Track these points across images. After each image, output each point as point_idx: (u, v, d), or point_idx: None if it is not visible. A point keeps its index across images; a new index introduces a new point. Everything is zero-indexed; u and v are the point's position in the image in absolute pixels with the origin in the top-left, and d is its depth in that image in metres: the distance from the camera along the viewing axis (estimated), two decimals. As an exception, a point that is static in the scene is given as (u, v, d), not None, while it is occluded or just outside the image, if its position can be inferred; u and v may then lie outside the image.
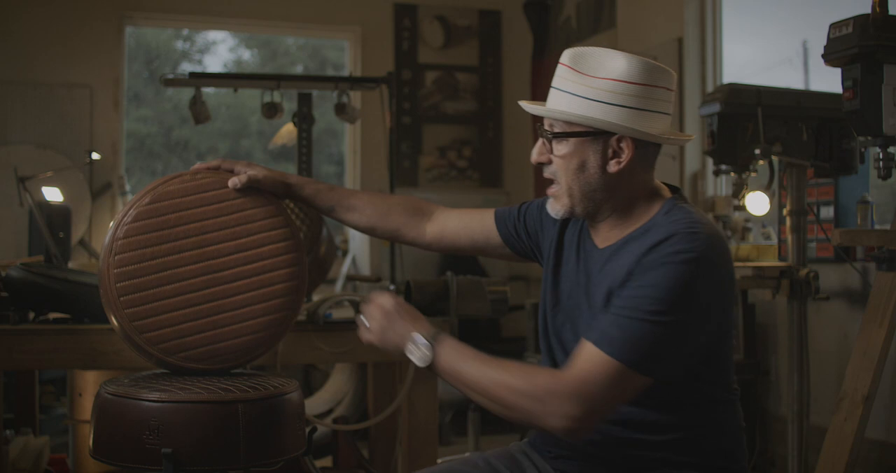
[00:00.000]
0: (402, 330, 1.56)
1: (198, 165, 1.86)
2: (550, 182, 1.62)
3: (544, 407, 1.43)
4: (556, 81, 1.58)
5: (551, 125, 1.58)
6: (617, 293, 1.49)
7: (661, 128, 1.56)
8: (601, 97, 1.52)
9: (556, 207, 1.61)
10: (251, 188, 1.81)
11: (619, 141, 1.55)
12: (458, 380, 1.52)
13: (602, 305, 1.54)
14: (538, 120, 1.62)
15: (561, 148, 1.57)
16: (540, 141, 1.61)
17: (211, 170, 1.84)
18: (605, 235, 1.62)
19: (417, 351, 1.53)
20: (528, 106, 1.62)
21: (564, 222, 1.73)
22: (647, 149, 1.58)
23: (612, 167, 1.56)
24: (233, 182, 1.80)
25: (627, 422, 1.57)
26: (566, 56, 1.57)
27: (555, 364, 1.68)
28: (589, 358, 1.44)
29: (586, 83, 1.53)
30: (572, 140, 1.56)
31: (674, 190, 1.65)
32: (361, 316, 1.62)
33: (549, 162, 1.60)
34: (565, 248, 1.71)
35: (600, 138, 1.55)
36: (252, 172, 1.81)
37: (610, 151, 1.55)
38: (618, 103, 1.52)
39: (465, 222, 1.90)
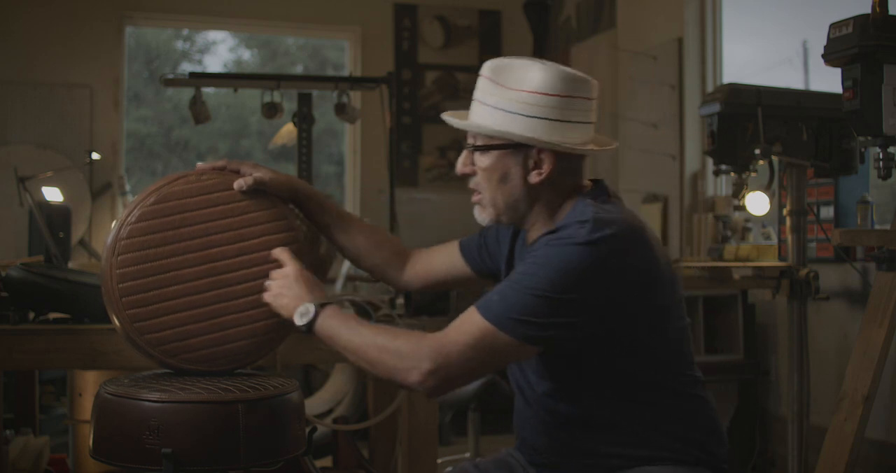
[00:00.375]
0: (295, 295, 1.65)
1: (203, 165, 1.84)
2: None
3: (402, 363, 1.50)
4: (477, 93, 1.61)
5: (475, 137, 1.62)
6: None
7: (582, 137, 1.59)
8: (520, 109, 1.55)
9: (482, 215, 1.66)
10: (257, 190, 1.81)
11: (539, 152, 1.58)
12: (333, 342, 1.60)
13: None
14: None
15: (483, 160, 1.61)
16: (464, 152, 1.64)
17: (216, 171, 1.82)
18: (531, 239, 1.66)
19: (302, 315, 1.62)
20: (449, 119, 1.65)
21: (514, 239, 1.77)
22: (569, 158, 1.60)
23: (534, 178, 1.59)
24: (238, 184, 1.79)
25: (587, 424, 1.59)
26: (486, 68, 1.60)
27: (518, 387, 1.71)
28: (462, 318, 1.51)
29: (505, 95, 1.56)
30: (494, 152, 1.60)
31: (595, 184, 1.67)
32: (268, 283, 1.71)
33: (474, 173, 1.63)
34: (515, 261, 1.75)
35: (521, 150, 1.59)
36: (258, 174, 1.80)
37: (531, 163, 1.59)
38: (536, 115, 1.55)
39: (434, 257, 1.94)
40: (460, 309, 2.68)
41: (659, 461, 1.57)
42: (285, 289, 1.68)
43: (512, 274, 1.54)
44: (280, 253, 1.73)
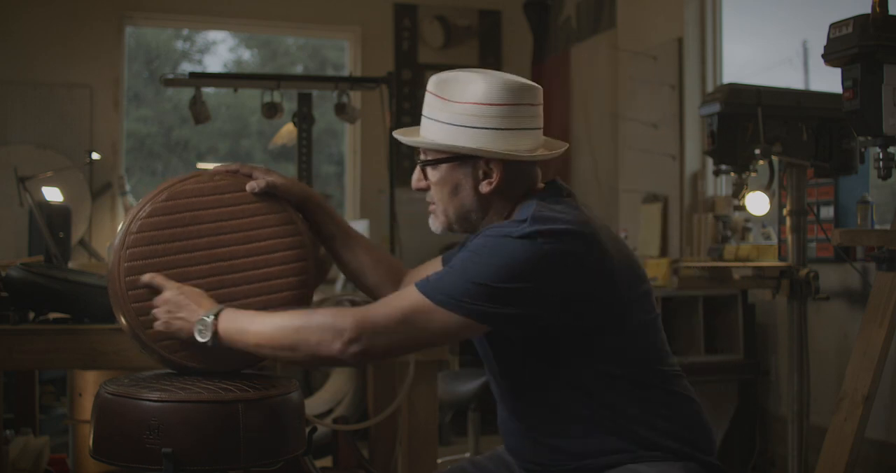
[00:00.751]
0: (186, 314, 1.63)
1: (216, 167, 1.86)
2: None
3: (323, 335, 1.51)
4: (424, 109, 1.64)
5: (425, 153, 1.64)
6: None
7: (531, 143, 1.61)
8: (465, 121, 1.57)
9: (434, 224, 1.68)
10: (267, 194, 1.82)
11: (487, 163, 1.60)
12: (244, 341, 1.59)
13: None
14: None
15: (434, 174, 1.64)
16: (417, 168, 1.67)
17: (229, 173, 1.84)
18: None
19: (201, 330, 1.61)
20: (399, 135, 1.68)
21: None
22: (518, 165, 1.61)
23: (484, 188, 1.61)
24: (251, 186, 1.81)
25: (559, 424, 1.60)
26: (431, 83, 1.62)
27: (497, 388, 1.72)
28: (394, 294, 1.56)
29: (450, 109, 1.58)
30: (443, 166, 1.62)
31: (548, 185, 1.67)
32: (154, 314, 1.67)
33: (428, 188, 1.66)
34: None
35: (469, 162, 1.60)
36: (271, 178, 1.82)
37: (480, 173, 1.61)
38: (482, 126, 1.57)
39: (422, 272, 1.92)
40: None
41: (643, 458, 1.57)
42: (174, 311, 1.64)
43: (453, 260, 1.55)
44: (151, 278, 1.68)
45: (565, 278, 1.50)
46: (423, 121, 1.64)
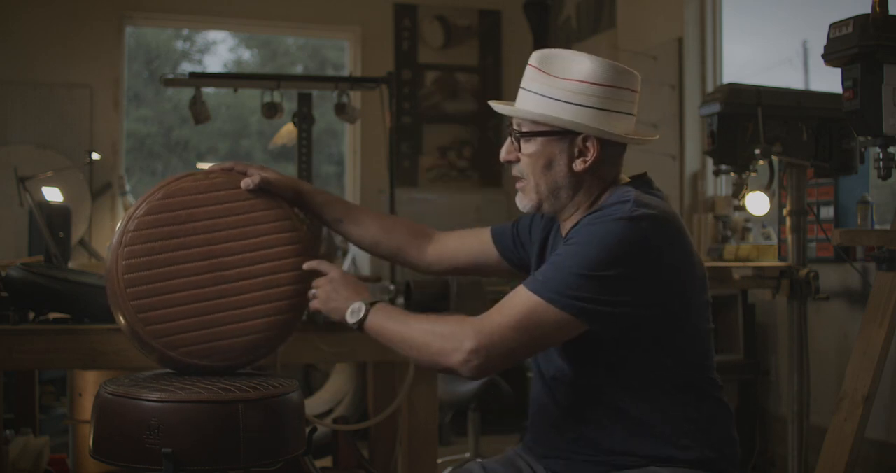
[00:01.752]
0: (344, 298, 1.69)
1: (212, 165, 1.88)
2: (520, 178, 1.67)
3: (445, 344, 1.52)
4: (524, 82, 1.63)
5: (519, 124, 1.63)
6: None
7: (626, 128, 1.61)
8: (567, 97, 1.57)
9: (524, 201, 1.67)
10: (263, 191, 1.83)
11: (584, 140, 1.59)
12: (382, 335, 1.63)
13: None
14: (510, 119, 1.66)
15: (529, 147, 1.62)
16: (508, 139, 1.65)
17: (224, 171, 1.86)
18: (566, 229, 1.67)
19: (353, 313, 1.66)
20: (496, 105, 1.67)
21: (547, 230, 1.78)
22: (612, 148, 1.62)
23: (579, 165, 1.61)
24: (245, 183, 1.82)
25: (605, 416, 1.59)
26: (534, 58, 1.62)
27: (541, 373, 1.72)
28: (506, 298, 1.54)
29: (553, 84, 1.58)
30: (539, 139, 1.61)
31: (637, 178, 1.68)
32: (313, 290, 1.74)
33: (518, 160, 1.65)
34: (546, 254, 1.75)
35: (566, 137, 1.60)
36: (265, 174, 1.83)
37: (576, 150, 1.60)
38: (583, 104, 1.57)
39: (463, 240, 1.95)
40: (460, 309, 2.68)
41: (670, 462, 1.57)
42: (334, 293, 1.70)
43: (554, 255, 1.55)
44: (317, 263, 1.77)
45: (664, 265, 1.52)
46: (522, 93, 1.62)
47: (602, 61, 1.58)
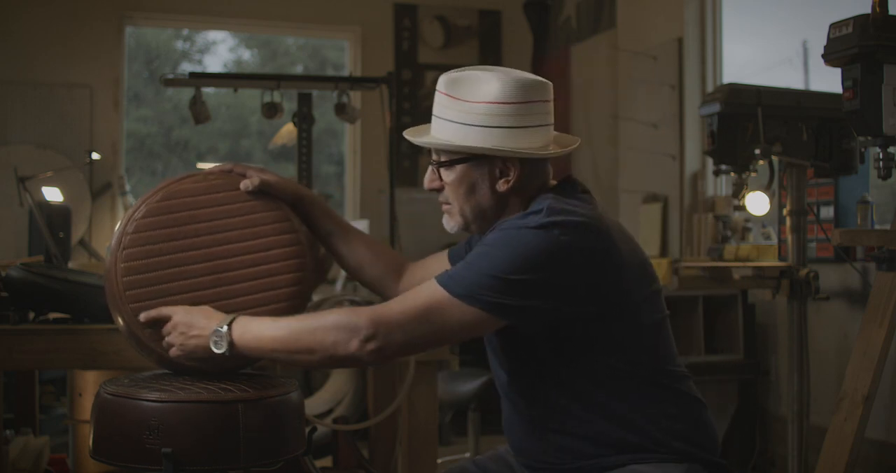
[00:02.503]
0: (199, 329, 1.61)
1: (210, 167, 1.88)
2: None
3: (339, 335, 1.50)
4: (435, 109, 1.63)
5: (438, 153, 1.63)
6: None
7: (543, 140, 1.61)
8: (478, 121, 1.57)
9: (450, 224, 1.67)
10: (262, 193, 1.83)
11: (504, 161, 1.59)
12: (262, 346, 1.58)
13: None
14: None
15: (449, 174, 1.63)
16: (430, 168, 1.66)
17: (224, 173, 1.85)
18: None
19: (217, 341, 1.59)
20: (410, 136, 1.67)
21: None
22: (533, 162, 1.62)
23: (501, 186, 1.61)
24: (245, 184, 1.81)
25: (564, 422, 1.59)
26: (441, 83, 1.61)
27: (498, 383, 1.72)
28: (410, 291, 1.54)
29: (463, 108, 1.57)
30: (459, 166, 1.61)
31: (562, 182, 1.68)
32: (165, 339, 1.65)
33: (442, 188, 1.65)
34: None
35: (485, 161, 1.60)
36: (264, 177, 1.83)
37: (497, 171, 1.60)
38: (494, 125, 1.56)
39: (426, 268, 1.93)
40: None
41: (646, 459, 1.57)
42: (186, 331, 1.62)
43: (468, 254, 1.56)
44: (157, 312, 1.66)
45: (578, 269, 1.50)
46: (435, 121, 1.63)
47: (508, 78, 1.56)
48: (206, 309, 1.66)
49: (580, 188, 1.65)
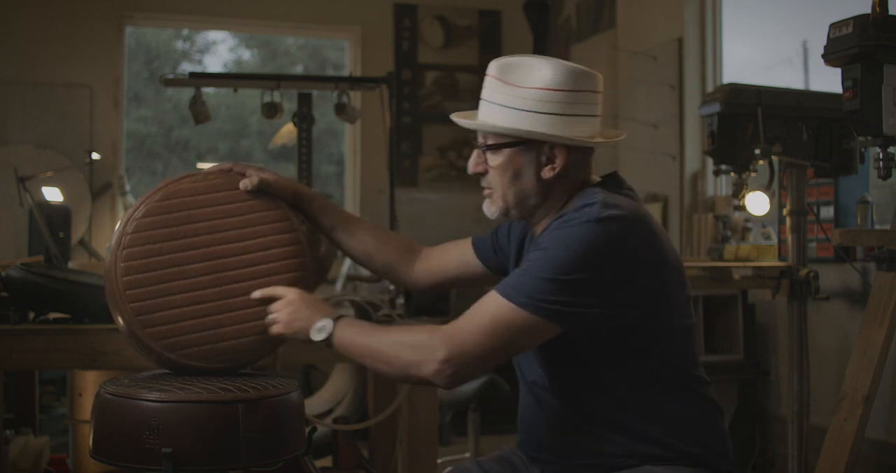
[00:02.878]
0: (307, 316, 1.67)
1: (210, 166, 1.88)
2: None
3: (416, 355, 1.51)
4: (485, 93, 1.63)
5: (485, 137, 1.63)
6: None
7: (590, 130, 1.60)
8: (528, 106, 1.57)
9: (490, 209, 1.66)
10: (261, 192, 1.83)
11: (551, 148, 1.59)
12: (351, 350, 1.63)
13: None
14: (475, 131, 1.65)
15: (495, 158, 1.62)
16: (475, 151, 1.65)
17: (223, 172, 1.85)
18: (538, 233, 1.66)
19: (319, 331, 1.64)
20: (459, 120, 1.66)
21: (523, 234, 1.77)
22: (579, 152, 1.61)
23: (547, 173, 1.61)
24: (244, 183, 1.82)
25: (591, 419, 1.59)
26: (493, 68, 1.62)
27: (524, 376, 1.71)
28: (476, 305, 1.53)
29: (513, 93, 1.58)
30: (506, 150, 1.61)
31: (608, 178, 1.68)
32: (270, 315, 1.72)
33: (486, 172, 1.64)
34: (523, 257, 1.74)
35: (533, 147, 1.60)
36: (263, 176, 1.83)
37: (543, 158, 1.60)
38: (544, 111, 1.56)
39: (446, 254, 1.94)
40: (461, 309, 2.68)
41: (662, 460, 1.57)
42: (295, 314, 1.69)
43: (524, 261, 1.55)
44: (271, 289, 1.75)
45: (633, 266, 1.51)
46: (484, 105, 1.62)
47: (561, 66, 1.57)
48: (316, 299, 1.73)
49: (625, 185, 1.66)
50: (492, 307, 1.50)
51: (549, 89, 1.56)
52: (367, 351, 1.60)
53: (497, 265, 1.87)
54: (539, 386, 1.66)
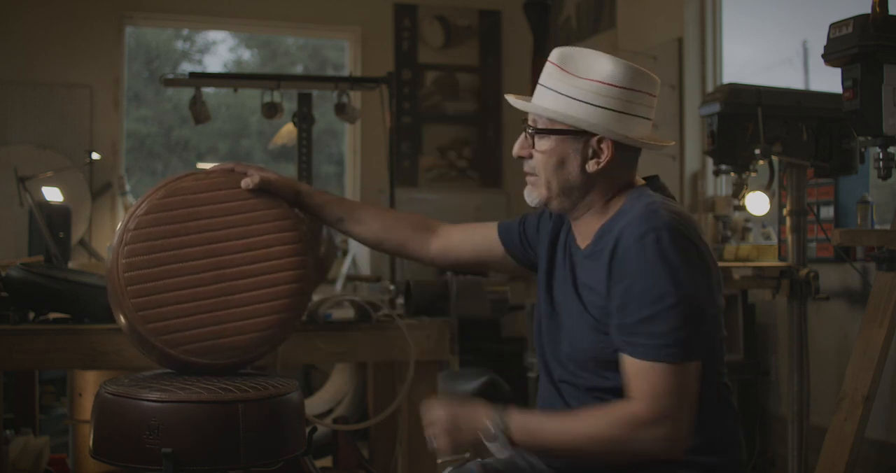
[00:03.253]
0: (468, 430, 1.54)
1: (212, 166, 1.89)
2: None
3: (637, 444, 1.46)
4: (543, 79, 1.61)
5: (535, 121, 1.62)
6: (612, 295, 1.51)
7: (642, 132, 1.61)
8: (585, 97, 1.56)
9: (532, 195, 1.64)
10: (263, 191, 1.84)
11: (599, 141, 1.58)
12: (542, 450, 1.56)
13: (595, 307, 1.56)
14: (524, 115, 1.65)
15: (543, 144, 1.61)
16: (522, 135, 1.64)
17: (225, 171, 1.86)
18: (582, 233, 1.65)
19: (493, 443, 1.52)
20: (514, 100, 1.65)
21: (557, 228, 1.75)
22: (626, 151, 1.61)
23: (591, 167, 1.60)
24: (245, 182, 1.83)
25: None
26: (555, 55, 1.61)
27: (549, 373, 1.69)
28: (641, 374, 1.47)
29: (572, 83, 1.57)
30: (554, 137, 1.60)
31: (649, 180, 1.68)
32: (429, 438, 1.59)
33: (530, 156, 1.63)
34: (557, 254, 1.73)
35: (581, 137, 1.59)
36: (265, 174, 1.84)
37: (590, 151, 1.59)
38: (601, 105, 1.56)
39: (468, 235, 1.93)
40: (461, 309, 2.67)
41: (684, 465, 1.56)
42: (455, 433, 1.55)
43: (627, 298, 1.49)
44: (424, 406, 1.60)
45: (702, 269, 1.51)
46: (540, 89, 1.61)
47: (623, 63, 1.57)
48: (465, 406, 1.58)
49: (667, 190, 1.66)
50: (659, 373, 1.45)
51: (608, 84, 1.55)
52: (564, 450, 1.52)
53: (522, 256, 1.86)
54: (571, 384, 1.63)
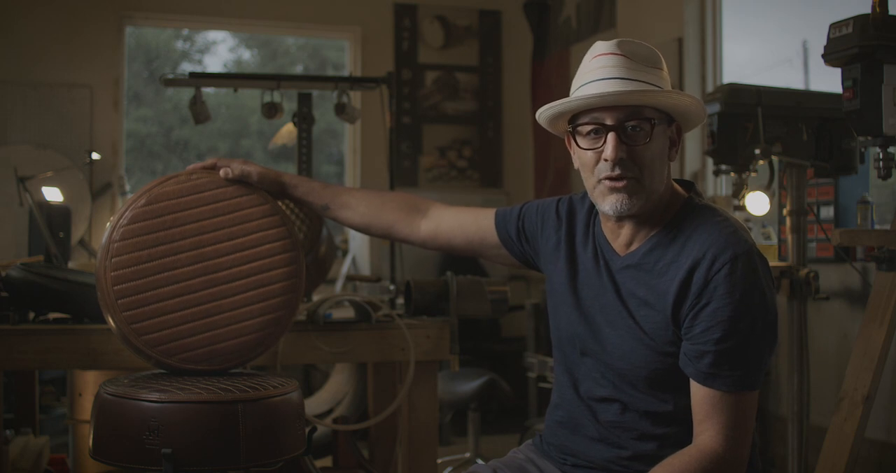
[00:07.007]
0: None
1: (193, 165, 1.86)
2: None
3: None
4: (613, 71, 1.48)
5: (638, 118, 1.48)
6: (692, 316, 1.46)
7: None
8: (665, 86, 1.51)
9: (629, 202, 1.49)
10: (248, 187, 1.82)
11: (677, 129, 1.54)
12: None
13: (651, 323, 1.51)
14: (620, 112, 1.49)
15: (659, 137, 1.51)
16: (612, 135, 1.47)
17: (206, 170, 1.84)
18: (625, 238, 1.57)
19: None
20: (619, 89, 1.48)
21: (570, 224, 1.68)
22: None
23: (672, 156, 1.55)
24: (224, 171, 1.81)
25: (645, 437, 1.56)
26: (612, 47, 1.50)
27: (575, 386, 1.65)
28: (722, 406, 1.45)
29: (655, 74, 1.50)
30: (658, 127, 1.51)
31: (687, 186, 1.62)
32: None
33: (626, 156, 1.49)
34: (580, 255, 1.65)
35: (668, 127, 1.53)
36: (246, 167, 1.82)
37: (669, 141, 1.54)
38: (677, 92, 1.51)
39: (461, 220, 1.85)
40: (461, 309, 2.67)
41: None
42: None
43: (713, 322, 1.45)
44: None
45: (772, 283, 1.52)
46: (615, 82, 1.47)
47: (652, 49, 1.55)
48: None
49: (704, 200, 1.61)
50: (733, 397, 1.44)
51: (666, 71, 1.53)
52: None
53: (517, 250, 1.79)
54: (616, 402, 1.58)
